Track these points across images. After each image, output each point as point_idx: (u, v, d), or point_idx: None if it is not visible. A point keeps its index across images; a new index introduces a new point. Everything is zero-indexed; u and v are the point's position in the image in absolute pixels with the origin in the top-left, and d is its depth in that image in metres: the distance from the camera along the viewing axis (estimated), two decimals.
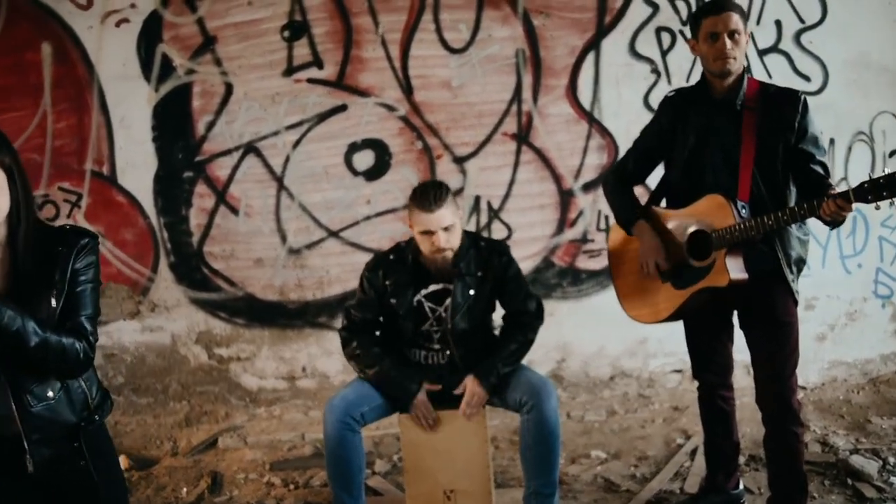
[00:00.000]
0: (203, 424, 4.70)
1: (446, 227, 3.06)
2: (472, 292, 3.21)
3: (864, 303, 4.77)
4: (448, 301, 3.21)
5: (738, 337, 3.14)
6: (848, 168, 4.63)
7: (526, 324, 3.29)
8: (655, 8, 4.43)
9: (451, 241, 3.10)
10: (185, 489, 4.05)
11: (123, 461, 4.29)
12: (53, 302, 2.00)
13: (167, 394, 4.75)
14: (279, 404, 4.74)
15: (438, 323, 3.24)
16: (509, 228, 4.61)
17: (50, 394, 2.04)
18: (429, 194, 3.05)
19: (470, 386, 3.16)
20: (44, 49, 4.44)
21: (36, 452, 2.04)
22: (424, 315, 3.26)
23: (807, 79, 4.50)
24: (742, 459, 3.88)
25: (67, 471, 2.12)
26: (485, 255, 3.25)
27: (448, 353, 3.27)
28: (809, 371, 4.74)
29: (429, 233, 3.07)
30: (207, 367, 4.73)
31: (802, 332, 4.53)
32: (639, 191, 3.27)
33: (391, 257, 3.28)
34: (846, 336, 4.78)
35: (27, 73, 4.45)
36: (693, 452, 4.00)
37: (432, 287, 3.24)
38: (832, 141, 4.55)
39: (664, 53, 4.48)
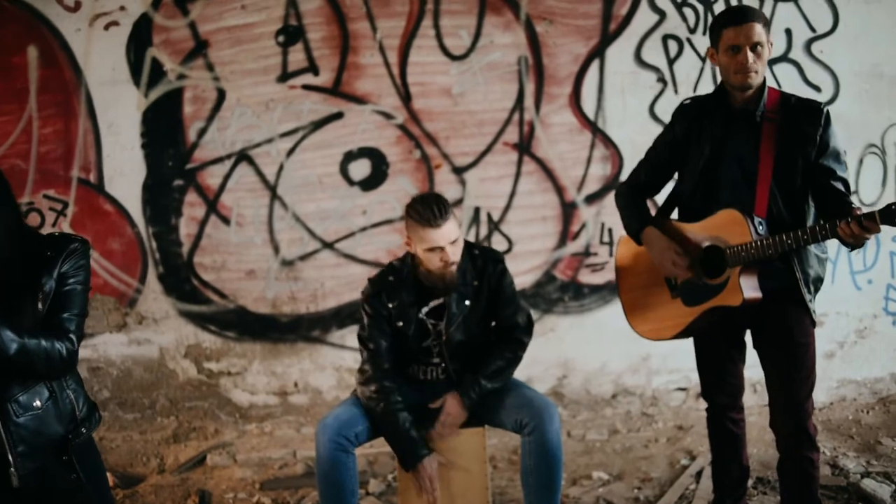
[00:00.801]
0: (191, 441, 4.57)
1: (453, 241, 2.94)
2: (467, 303, 3.09)
3: (874, 319, 4.64)
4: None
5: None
6: (859, 181, 4.50)
7: (515, 339, 3.17)
8: (662, 15, 4.31)
9: (457, 255, 2.98)
10: None
11: (108, 479, 4.16)
12: (40, 305, 1.99)
13: (154, 409, 4.62)
14: (270, 420, 4.61)
15: (437, 337, 3.12)
16: (510, 241, 4.48)
17: (37, 403, 2.00)
18: (432, 209, 2.90)
19: (448, 404, 3.04)
20: (30, 52, 4.32)
21: (21, 465, 1.98)
22: (427, 331, 3.13)
23: (817, 89, 4.39)
24: (749, 482, 3.75)
25: (55, 485, 2.06)
26: (479, 264, 3.13)
27: (444, 366, 3.15)
28: (818, 390, 4.45)
29: (437, 249, 2.94)
30: (196, 381, 4.60)
31: None
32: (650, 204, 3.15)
33: (390, 279, 3.13)
34: (856, 354, 4.65)
35: (13, 76, 4.33)
36: (699, 474, 3.87)
37: (433, 303, 3.11)
38: (844, 153, 4.42)
39: (671, 62, 4.35)
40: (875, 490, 3.54)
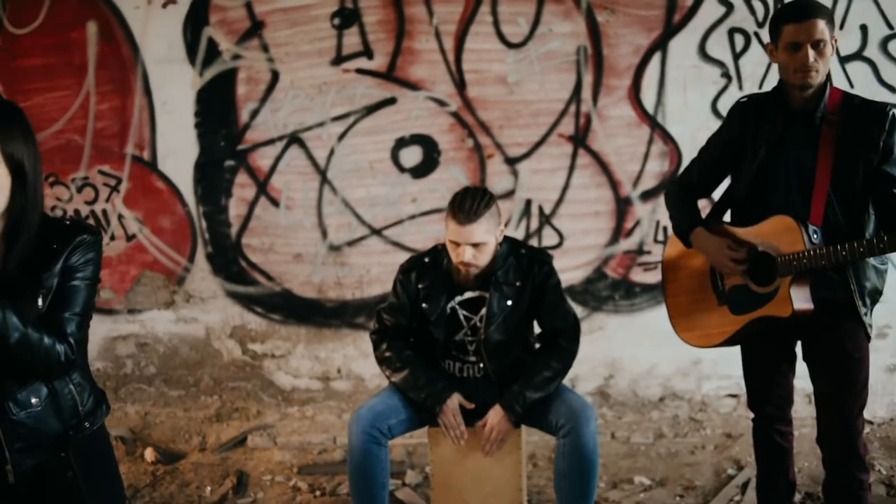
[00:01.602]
0: (234, 421, 4.60)
1: (476, 244, 2.87)
2: (509, 303, 3.01)
3: None
4: (483, 310, 3.03)
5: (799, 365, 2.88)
6: None
7: (561, 348, 3.07)
8: (730, 7, 4.13)
9: (478, 259, 2.91)
10: (209, 488, 3.97)
11: (150, 454, 4.23)
12: (40, 301, 1.86)
13: (199, 387, 4.66)
14: (312, 405, 4.61)
15: (473, 333, 3.06)
16: (561, 235, 4.38)
17: (34, 400, 1.90)
18: (466, 205, 2.86)
19: (492, 418, 2.98)
20: (89, 28, 4.37)
21: (18, 462, 1.90)
22: (458, 323, 3.08)
23: (892, 89, 4.17)
24: (798, 497, 3.62)
25: (53, 482, 1.98)
26: (525, 264, 3.05)
27: (482, 365, 3.08)
28: (877, 405, 4.42)
29: (455, 243, 2.88)
30: (241, 362, 4.63)
31: (873, 361, 4.17)
32: (702, 204, 3.00)
33: (426, 260, 3.11)
34: None
35: (72, 52, 4.40)
36: (745, 486, 3.75)
37: (468, 294, 3.06)
38: None
39: (736, 56, 4.18)
40: None
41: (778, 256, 2.60)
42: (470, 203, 2.86)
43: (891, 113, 2.57)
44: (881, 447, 4.18)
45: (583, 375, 4.47)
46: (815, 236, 2.56)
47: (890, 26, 4.13)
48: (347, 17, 4.28)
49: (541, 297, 3.06)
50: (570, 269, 4.38)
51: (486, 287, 3.01)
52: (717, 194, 3.01)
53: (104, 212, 4.52)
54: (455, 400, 3.00)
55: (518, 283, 3.02)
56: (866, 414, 4.37)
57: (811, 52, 2.51)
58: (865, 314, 2.66)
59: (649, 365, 4.46)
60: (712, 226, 2.88)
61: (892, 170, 2.57)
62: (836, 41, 2.59)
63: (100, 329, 4.64)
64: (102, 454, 2.13)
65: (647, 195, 4.32)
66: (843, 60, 4.15)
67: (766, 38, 2.70)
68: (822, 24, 2.51)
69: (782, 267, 2.59)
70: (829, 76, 2.85)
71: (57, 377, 1.94)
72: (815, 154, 2.60)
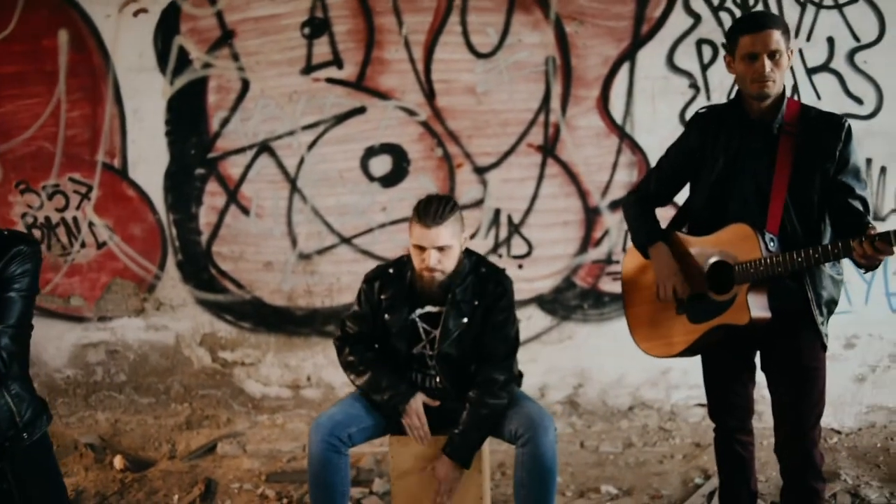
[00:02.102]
0: (204, 428, 4.60)
1: (441, 248, 2.87)
2: (464, 320, 3.02)
3: None
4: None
5: (761, 376, 2.89)
6: None
7: (497, 381, 2.99)
8: (697, 18, 4.15)
9: (443, 263, 2.91)
10: (176, 496, 3.97)
11: (119, 461, 4.23)
12: None
13: (169, 395, 4.65)
14: (282, 413, 4.61)
15: (431, 346, 3.07)
16: (530, 245, 4.39)
17: None
18: (431, 208, 2.87)
19: (440, 469, 2.96)
20: (60, 36, 4.36)
21: None
22: (418, 336, 3.08)
23: (859, 101, 4.19)
24: None
25: None
26: (483, 282, 3.04)
27: (439, 378, 3.09)
28: (846, 415, 4.43)
29: (421, 248, 2.89)
30: (211, 370, 4.61)
31: (841, 372, 4.35)
32: (662, 213, 3.01)
33: (391, 271, 3.12)
34: (888, 379, 4.44)
35: (43, 59, 4.39)
36: (711, 495, 3.76)
37: (428, 308, 3.06)
38: (883, 169, 4.24)
39: (704, 67, 4.20)
40: None
41: (735, 265, 2.62)
42: (435, 207, 2.87)
43: (846, 124, 2.62)
44: (849, 456, 4.19)
45: (552, 384, 4.47)
46: (772, 244, 2.59)
47: (856, 38, 4.14)
48: (317, 27, 4.28)
49: (488, 315, 3.04)
50: (539, 278, 4.38)
51: (445, 303, 3.02)
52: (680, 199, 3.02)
53: (75, 219, 4.51)
54: (419, 400, 3.01)
55: (476, 302, 3.02)
56: (834, 424, 4.44)
57: (767, 63, 2.55)
58: (822, 324, 2.68)
59: (618, 374, 4.46)
60: (671, 235, 2.90)
61: (848, 179, 2.61)
62: (792, 53, 2.62)
63: (70, 336, 4.63)
64: (43, 465, 2.12)
65: (615, 205, 4.31)
66: (811, 72, 4.17)
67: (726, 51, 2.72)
68: (777, 35, 2.55)
69: (740, 275, 2.61)
70: (795, 88, 2.89)
71: None
72: (773, 164, 2.63)
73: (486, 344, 3.05)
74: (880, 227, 2.35)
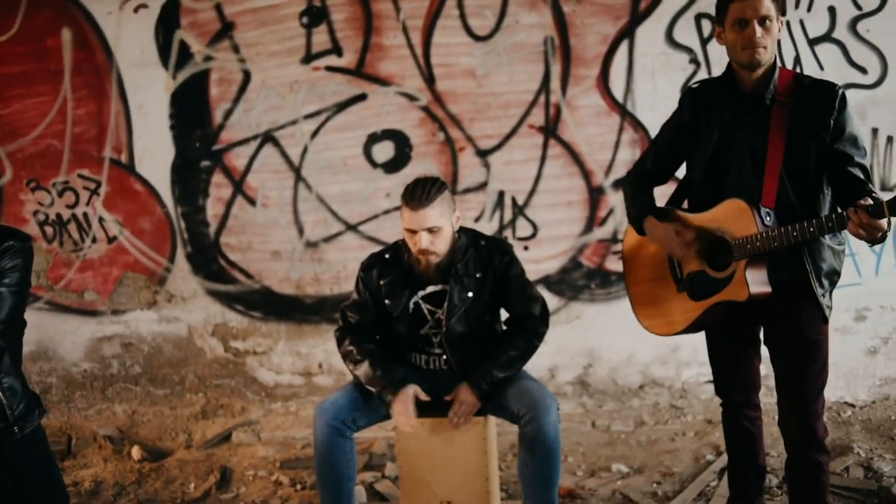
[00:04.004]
0: (219, 418, 4.66)
1: (430, 229, 2.88)
2: (469, 294, 3.02)
3: None
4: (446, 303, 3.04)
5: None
6: None
7: (529, 329, 3.07)
8: None
9: (435, 245, 2.92)
10: (193, 484, 4.03)
11: (137, 452, 4.30)
12: None
13: (184, 385, 4.71)
14: (295, 400, 4.66)
15: (437, 326, 3.08)
16: (535, 226, 4.39)
17: None
18: (417, 191, 2.88)
19: (460, 393, 2.99)
20: (64, 35, 4.43)
21: None
22: (423, 317, 3.09)
23: (863, 70, 4.14)
24: (775, 481, 3.63)
25: None
26: (485, 255, 3.05)
27: (446, 357, 3.10)
28: (859, 388, 4.40)
29: (411, 231, 2.90)
30: (224, 360, 4.67)
31: (853, 344, 4.32)
32: (660, 191, 2.99)
33: (387, 256, 3.13)
34: None
35: (48, 59, 4.45)
36: (722, 471, 3.74)
37: (430, 288, 3.07)
38: (890, 139, 4.18)
39: (704, 42, 4.16)
40: None
41: (732, 240, 2.60)
42: (421, 189, 2.88)
43: (840, 92, 2.57)
44: (862, 430, 4.16)
45: (562, 365, 4.48)
46: (769, 218, 2.55)
47: (858, 7, 4.09)
48: (315, 16, 4.30)
49: (504, 287, 3.07)
50: (545, 259, 4.39)
51: (448, 280, 3.03)
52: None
53: (85, 215, 4.58)
54: (410, 392, 2.98)
55: (478, 275, 3.03)
56: (848, 397, 4.41)
57: (758, 28, 2.51)
58: (823, 295, 2.65)
59: (628, 353, 4.46)
60: (669, 213, 2.88)
61: (846, 148, 2.56)
62: (783, 23, 2.59)
63: (85, 330, 4.71)
64: (37, 457, 2.14)
65: (619, 184, 4.29)
66: (812, 43, 4.13)
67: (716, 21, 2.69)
68: (767, 1, 2.51)
69: (737, 251, 2.59)
70: (797, 59, 2.83)
71: None
72: (767, 136, 2.60)
73: (515, 310, 3.11)
74: (888, 197, 2.28)
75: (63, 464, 4.28)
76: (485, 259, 3.05)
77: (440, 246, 2.94)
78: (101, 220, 4.59)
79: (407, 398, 2.97)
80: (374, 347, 3.10)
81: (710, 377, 4.30)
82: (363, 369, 3.03)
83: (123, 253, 4.60)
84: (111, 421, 4.68)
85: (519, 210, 4.39)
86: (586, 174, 4.33)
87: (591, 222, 4.38)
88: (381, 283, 3.09)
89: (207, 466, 4.20)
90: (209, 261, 4.59)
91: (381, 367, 3.02)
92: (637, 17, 4.17)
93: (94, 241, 4.61)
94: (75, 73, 4.44)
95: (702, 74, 4.16)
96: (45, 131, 4.49)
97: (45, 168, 4.55)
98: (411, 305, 3.08)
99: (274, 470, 4.12)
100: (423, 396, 3.02)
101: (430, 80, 4.31)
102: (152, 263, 4.62)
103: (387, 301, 3.08)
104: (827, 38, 4.13)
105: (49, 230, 4.59)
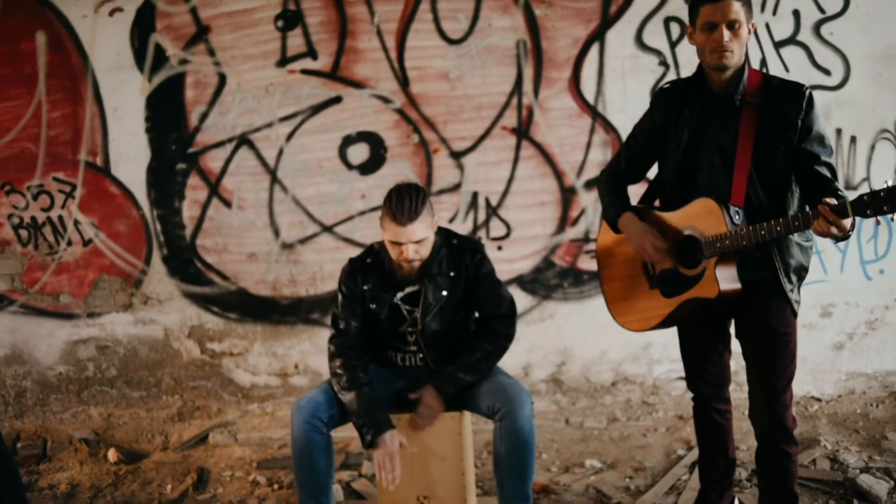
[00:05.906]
0: (195, 419, 4.66)
1: (417, 241, 2.92)
2: (444, 293, 3.07)
3: (885, 311, 4.48)
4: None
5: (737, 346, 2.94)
6: (871, 168, 4.34)
7: (496, 330, 3.12)
8: None
9: (420, 253, 2.96)
10: (169, 485, 4.03)
11: (113, 454, 4.29)
12: None
13: (160, 387, 4.71)
14: (272, 401, 4.67)
15: (413, 324, 3.12)
16: (508, 226, 4.45)
17: None
18: (404, 205, 2.87)
19: (425, 396, 3.01)
20: (38, 38, 4.43)
21: None
22: (402, 316, 3.13)
23: (827, 72, 4.25)
24: (745, 474, 3.70)
25: None
26: (457, 253, 3.10)
27: (422, 355, 3.14)
28: (825, 382, 4.50)
29: (397, 243, 2.94)
30: (200, 361, 4.68)
31: (819, 340, 4.41)
32: (633, 190, 3.05)
33: (368, 261, 3.15)
34: (866, 346, 4.51)
35: (22, 62, 4.45)
36: (693, 465, 3.82)
37: (408, 289, 3.11)
38: (853, 139, 4.29)
39: (673, 45, 4.26)
40: (871, 486, 3.43)
41: (702, 239, 2.66)
42: (408, 203, 2.88)
43: (807, 92, 2.63)
44: (829, 423, 4.25)
45: (535, 363, 4.53)
46: (738, 217, 2.61)
47: (821, 10, 4.20)
48: (291, 19, 4.33)
49: (475, 285, 3.11)
50: (518, 258, 4.45)
51: (423, 279, 3.07)
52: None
53: (60, 218, 4.58)
54: (395, 440, 2.92)
55: (452, 273, 3.08)
56: (814, 392, 4.50)
57: (726, 32, 2.57)
58: (791, 290, 2.72)
59: (600, 351, 4.52)
60: (641, 211, 2.94)
61: (813, 147, 2.62)
62: (753, 26, 2.66)
63: (60, 333, 4.70)
64: None
65: (590, 184, 4.38)
66: (778, 45, 4.23)
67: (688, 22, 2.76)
68: (737, 6, 2.56)
69: (707, 249, 2.65)
70: (763, 62, 2.88)
71: None
72: (736, 136, 2.66)
73: (485, 309, 3.14)
74: (852, 196, 2.37)
75: (38, 467, 4.27)
76: (457, 258, 3.10)
77: (424, 253, 2.98)
78: (76, 223, 4.58)
79: (393, 452, 2.91)
80: (363, 377, 3.03)
81: (681, 373, 4.42)
82: (348, 399, 2.99)
83: (99, 256, 4.59)
84: (87, 424, 4.67)
85: (492, 211, 4.44)
86: (558, 175, 4.39)
87: (564, 222, 4.44)
88: (365, 287, 3.11)
89: (184, 468, 4.21)
90: (185, 263, 4.59)
91: (366, 405, 2.96)
92: (607, 20, 4.25)
93: (69, 244, 4.60)
94: (50, 76, 4.44)
95: (671, 76, 4.25)
96: (19, 135, 4.48)
97: (20, 171, 4.54)
98: (392, 306, 3.12)
99: (251, 470, 4.14)
100: (410, 449, 2.98)
101: (404, 82, 4.35)
102: (128, 266, 4.62)
103: (373, 305, 3.11)
104: (792, 40, 4.24)
105: (24, 233, 4.58)
